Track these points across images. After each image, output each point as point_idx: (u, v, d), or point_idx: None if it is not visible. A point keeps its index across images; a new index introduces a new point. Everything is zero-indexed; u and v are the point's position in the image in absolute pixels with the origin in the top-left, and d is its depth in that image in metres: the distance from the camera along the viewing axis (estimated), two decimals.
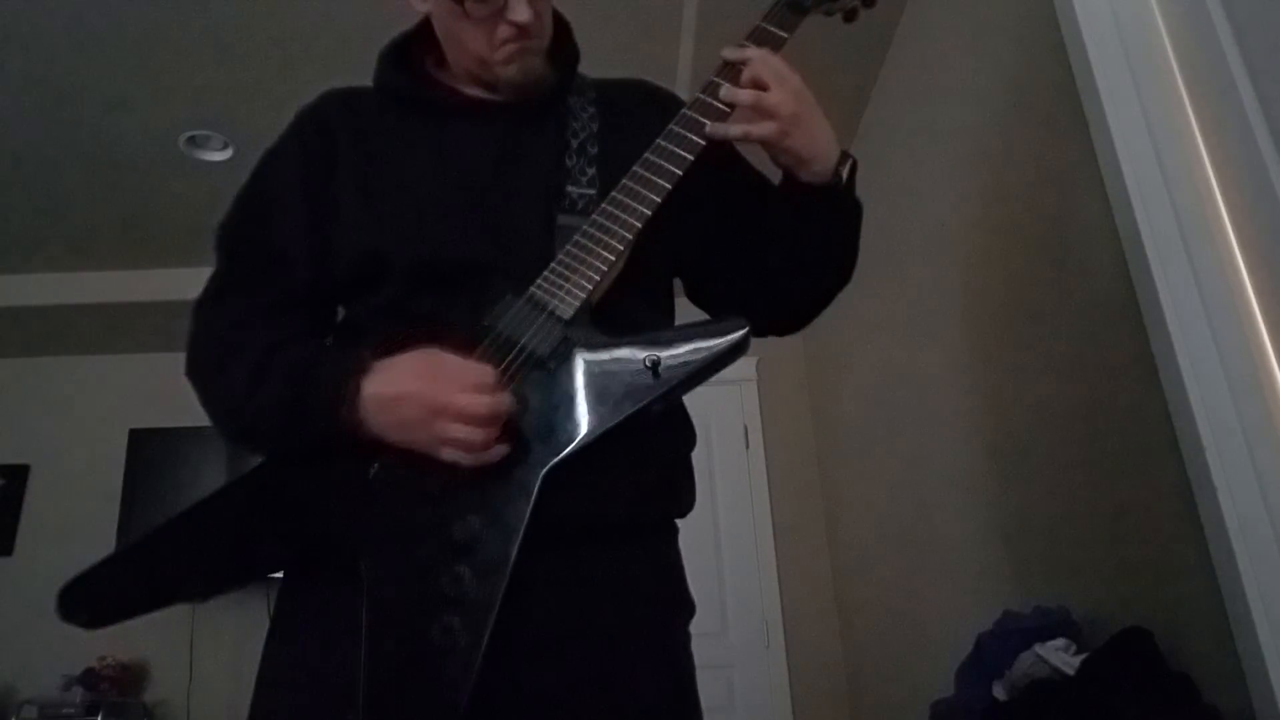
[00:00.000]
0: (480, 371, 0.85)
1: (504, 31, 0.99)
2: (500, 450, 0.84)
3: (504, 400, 0.83)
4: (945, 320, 2.19)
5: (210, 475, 3.63)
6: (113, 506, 3.69)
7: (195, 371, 0.96)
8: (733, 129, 0.96)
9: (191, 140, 2.89)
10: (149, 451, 3.78)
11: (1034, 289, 1.70)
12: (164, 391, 3.04)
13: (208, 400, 0.95)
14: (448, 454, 0.83)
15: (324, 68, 2.48)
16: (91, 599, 0.84)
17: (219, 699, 3.39)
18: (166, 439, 3.71)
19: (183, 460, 3.68)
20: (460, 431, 0.82)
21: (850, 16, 1.11)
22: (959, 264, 2.09)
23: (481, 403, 0.82)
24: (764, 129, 0.93)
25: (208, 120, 2.81)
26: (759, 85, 0.94)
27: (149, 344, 3.80)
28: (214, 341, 0.96)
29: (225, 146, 2.93)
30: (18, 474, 3.87)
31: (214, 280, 1.01)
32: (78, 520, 3.69)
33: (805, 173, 0.97)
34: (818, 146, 0.96)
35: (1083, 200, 1.47)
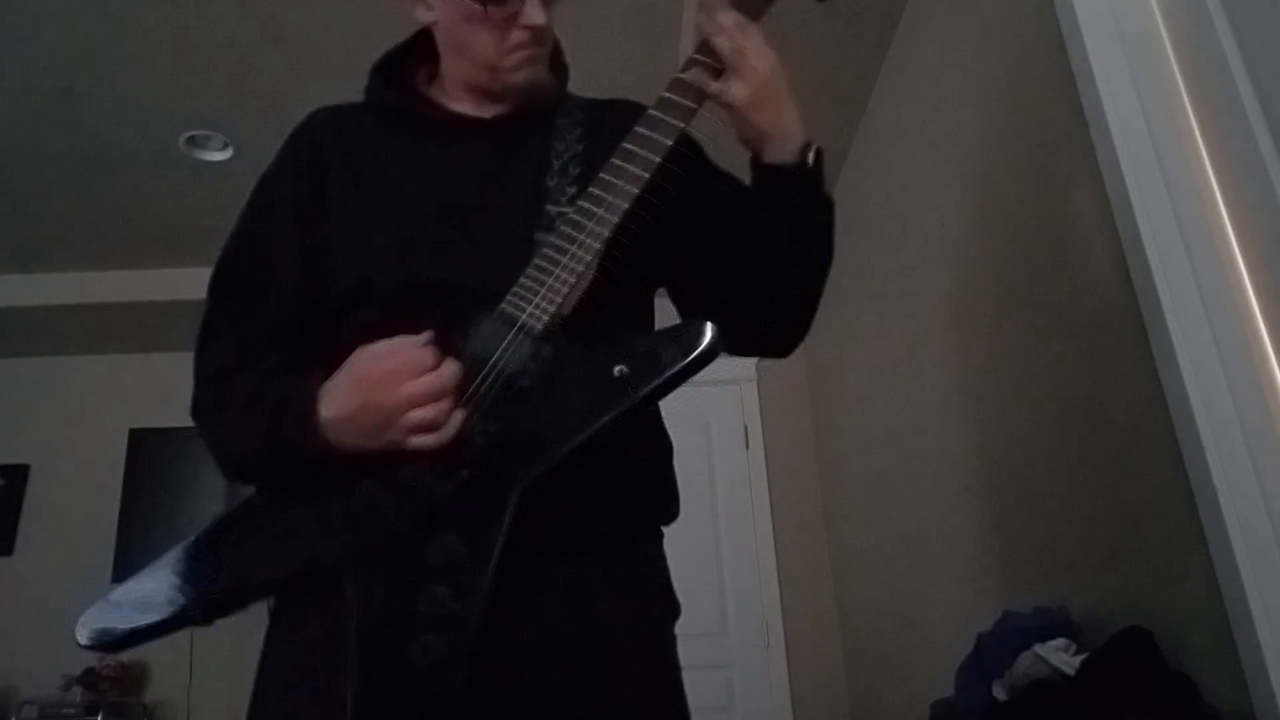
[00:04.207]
0: (415, 353, 0.86)
1: (518, 36, 1.00)
2: (458, 417, 0.85)
3: (446, 370, 0.85)
4: (945, 319, 2.19)
5: (210, 475, 3.57)
6: (113, 506, 3.68)
7: (195, 415, 0.99)
8: (710, 85, 0.95)
9: (191, 140, 2.89)
10: (149, 451, 3.78)
11: (1034, 288, 1.70)
12: (164, 391, 3.05)
13: (208, 446, 0.98)
14: (416, 442, 0.85)
15: (324, 67, 2.49)
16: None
17: (219, 699, 3.38)
18: (166, 439, 3.69)
19: (183, 460, 3.67)
20: (417, 416, 0.84)
21: None
22: (959, 263, 2.09)
23: (426, 383, 0.84)
24: (736, 91, 0.94)
25: (208, 120, 2.81)
26: (737, 51, 0.94)
27: (149, 344, 3.79)
28: (208, 388, 0.99)
29: (225, 146, 2.92)
30: (18, 474, 3.86)
31: (210, 316, 1.03)
32: (78, 520, 3.69)
33: (771, 152, 0.97)
34: (785, 124, 0.97)
35: (1082, 201, 1.47)
